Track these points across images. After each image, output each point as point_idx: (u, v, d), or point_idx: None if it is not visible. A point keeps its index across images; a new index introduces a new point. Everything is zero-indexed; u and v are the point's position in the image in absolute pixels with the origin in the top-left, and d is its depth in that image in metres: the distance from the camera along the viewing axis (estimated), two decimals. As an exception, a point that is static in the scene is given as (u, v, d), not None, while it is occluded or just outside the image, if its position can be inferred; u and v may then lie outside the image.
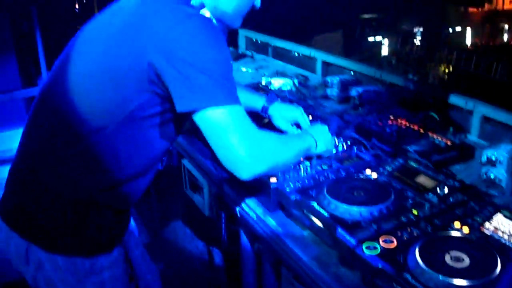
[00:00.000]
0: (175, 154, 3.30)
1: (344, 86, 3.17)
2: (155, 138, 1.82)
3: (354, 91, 3.06)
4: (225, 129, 1.65)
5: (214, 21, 1.86)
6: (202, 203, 2.78)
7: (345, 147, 2.25)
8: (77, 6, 11.52)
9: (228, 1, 1.88)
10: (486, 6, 25.90)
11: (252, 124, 1.72)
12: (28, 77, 6.89)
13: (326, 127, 2.18)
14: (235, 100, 1.68)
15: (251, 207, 2.08)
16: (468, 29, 25.16)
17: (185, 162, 2.86)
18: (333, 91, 3.18)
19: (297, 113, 2.43)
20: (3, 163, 6.09)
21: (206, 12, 1.85)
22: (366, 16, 27.10)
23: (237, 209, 2.18)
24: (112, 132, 1.74)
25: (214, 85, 1.62)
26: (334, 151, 2.20)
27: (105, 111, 1.72)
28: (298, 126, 2.44)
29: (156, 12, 1.67)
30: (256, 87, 3.18)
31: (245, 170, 1.70)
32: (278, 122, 2.44)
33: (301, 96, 3.15)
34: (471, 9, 26.04)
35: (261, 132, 1.75)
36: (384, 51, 24.46)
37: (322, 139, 2.09)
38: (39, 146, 1.84)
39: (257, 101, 2.47)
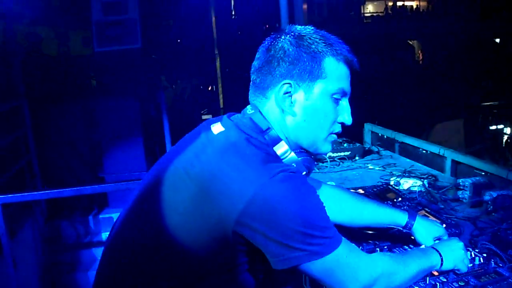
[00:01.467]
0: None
1: (477, 189, 3.05)
2: (247, 279, 1.80)
3: (487, 196, 2.95)
4: (331, 273, 1.67)
5: (291, 156, 1.80)
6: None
7: (481, 260, 2.14)
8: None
9: (294, 129, 1.83)
10: None
11: (358, 253, 1.75)
12: (153, 161, 7.14)
13: (460, 244, 2.08)
14: (334, 243, 1.67)
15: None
16: None
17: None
18: (465, 194, 3.08)
19: (440, 231, 2.31)
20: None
21: (282, 145, 1.79)
22: (487, 103, 26.51)
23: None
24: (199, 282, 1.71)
25: (310, 241, 1.61)
26: (468, 265, 2.09)
27: (188, 265, 1.69)
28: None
29: (238, 172, 1.61)
30: (386, 188, 3.12)
31: None
32: (423, 238, 2.29)
33: (431, 199, 3.06)
34: None
35: (370, 258, 1.77)
36: (506, 140, 23.68)
37: (451, 256, 2.01)
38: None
39: (400, 218, 2.32)
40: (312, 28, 1.85)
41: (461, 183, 3.13)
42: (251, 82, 1.88)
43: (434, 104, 25.34)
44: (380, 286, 1.74)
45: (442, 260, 1.98)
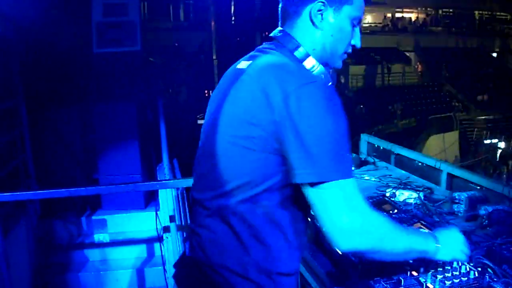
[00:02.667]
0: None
1: (472, 203, 3.06)
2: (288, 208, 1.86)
3: (482, 210, 2.95)
4: (333, 201, 1.68)
5: (320, 68, 1.95)
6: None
7: (476, 274, 2.14)
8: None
9: (322, 41, 1.99)
10: None
11: (363, 201, 1.73)
12: (148, 164, 7.13)
13: (461, 236, 2.08)
14: (349, 174, 1.71)
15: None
16: None
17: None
18: (460, 208, 3.09)
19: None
20: (115, 244, 6.30)
21: (310, 60, 1.95)
22: (482, 117, 26.61)
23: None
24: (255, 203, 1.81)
25: (331, 159, 1.67)
26: (467, 255, 2.08)
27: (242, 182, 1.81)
28: None
29: (275, 78, 1.76)
30: (382, 200, 3.12)
31: (344, 240, 1.70)
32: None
33: (426, 211, 3.06)
34: None
35: (371, 211, 1.75)
36: (501, 153, 23.77)
37: (449, 247, 1.99)
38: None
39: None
40: None
41: (456, 197, 3.13)
42: (282, 8, 2.05)
43: (430, 117, 25.43)
44: (367, 241, 1.73)
45: (438, 248, 1.96)
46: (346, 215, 1.67)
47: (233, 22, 11.54)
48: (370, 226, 1.72)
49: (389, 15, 33.60)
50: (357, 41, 2.07)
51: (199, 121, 11.22)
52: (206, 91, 11.81)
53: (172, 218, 4.75)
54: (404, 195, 3.31)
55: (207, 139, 1.99)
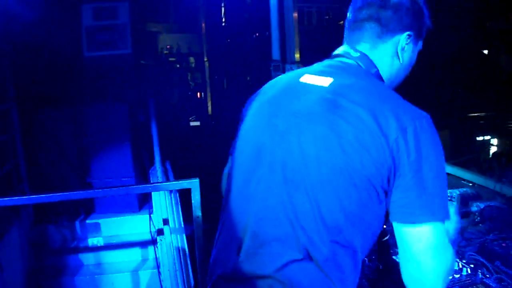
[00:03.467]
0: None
1: (464, 200, 3.07)
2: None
3: (475, 207, 2.97)
4: (431, 242, 1.57)
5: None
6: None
7: (469, 271, 2.15)
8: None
9: (397, 70, 1.93)
10: None
11: (448, 242, 1.63)
12: (141, 166, 7.12)
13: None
14: (447, 213, 1.61)
15: None
16: None
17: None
18: (452, 205, 3.10)
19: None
20: (110, 248, 6.29)
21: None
22: (474, 114, 26.58)
23: None
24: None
25: (442, 198, 1.59)
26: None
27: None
28: None
29: (388, 111, 1.62)
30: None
31: (429, 281, 1.58)
32: None
33: (419, 209, 3.08)
34: None
35: (452, 250, 1.64)
36: (493, 151, 23.73)
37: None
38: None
39: None
40: None
41: (448, 194, 3.14)
42: (360, 25, 1.90)
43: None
44: (444, 282, 1.62)
45: None
46: (439, 256, 1.57)
47: (223, 24, 11.53)
48: (448, 268, 1.61)
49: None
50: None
51: (192, 123, 11.21)
52: (198, 94, 11.78)
53: (165, 221, 4.75)
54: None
55: (277, 164, 1.72)
